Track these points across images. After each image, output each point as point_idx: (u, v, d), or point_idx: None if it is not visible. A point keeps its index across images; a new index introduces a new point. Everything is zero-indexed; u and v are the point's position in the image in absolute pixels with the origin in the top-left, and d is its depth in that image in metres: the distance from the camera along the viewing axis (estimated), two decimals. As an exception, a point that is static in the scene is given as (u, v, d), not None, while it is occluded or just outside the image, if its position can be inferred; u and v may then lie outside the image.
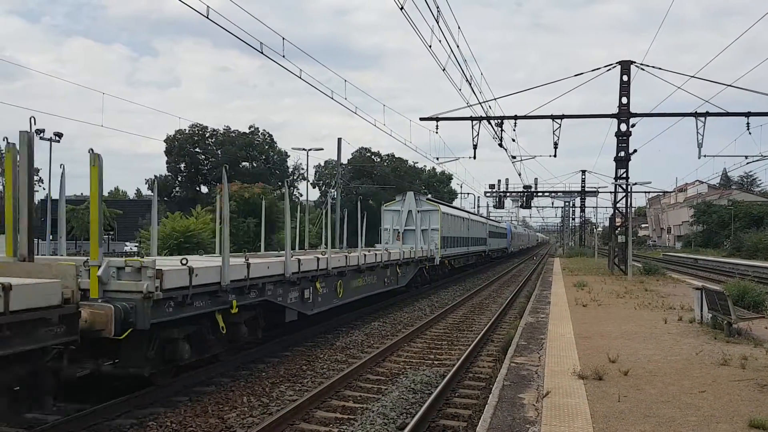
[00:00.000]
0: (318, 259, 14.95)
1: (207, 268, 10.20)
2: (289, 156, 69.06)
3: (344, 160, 60.06)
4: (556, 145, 30.03)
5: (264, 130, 66.50)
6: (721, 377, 8.94)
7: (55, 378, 7.45)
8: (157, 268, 8.96)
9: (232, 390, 10.49)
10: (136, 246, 49.00)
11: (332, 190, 53.39)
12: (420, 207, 31.03)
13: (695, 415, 7.12)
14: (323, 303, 15.47)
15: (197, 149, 62.47)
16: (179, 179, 63.28)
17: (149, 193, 70.56)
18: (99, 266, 8.79)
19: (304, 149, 35.35)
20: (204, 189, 63.43)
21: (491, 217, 75.22)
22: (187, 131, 61.49)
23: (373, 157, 77.93)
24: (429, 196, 46.50)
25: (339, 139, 44.50)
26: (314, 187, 78.52)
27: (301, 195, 72.42)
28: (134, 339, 8.87)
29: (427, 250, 27.79)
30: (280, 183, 65.94)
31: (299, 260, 13.74)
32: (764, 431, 6.47)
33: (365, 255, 18.42)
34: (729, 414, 7.15)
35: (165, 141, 62.06)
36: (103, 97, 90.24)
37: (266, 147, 65.44)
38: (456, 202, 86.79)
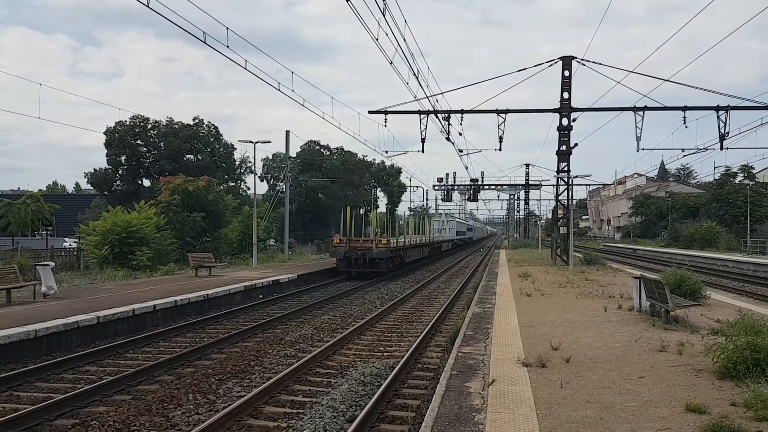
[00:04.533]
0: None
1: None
2: (235, 149, 67.58)
3: (293, 153, 59.27)
4: (501, 139, 30.35)
5: (209, 122, 64.91)
6: (659, 363, 9.20)
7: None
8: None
9: (177, 388, 10.30)
10: (75, 242, 47.45)
11: (281, 184, 52.77)
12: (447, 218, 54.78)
13: (634, 400, 7.35)
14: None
15: (139, 141, 60.71)
16: (120, 172, 61.35)
17: (89, 187, 68.24)
18: None
19: (251, 142, 34.61)
20: (146, 182, 61.70)
21: (459, 217, 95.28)
22: (128, 123, 59.74)
23: (322, 150, 77.21)
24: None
25: (287, 132, 43.98)
26: (262, 181, 77.66)
27: (249, 188, 71.30)
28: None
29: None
30: (226, 176, 64.71)
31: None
32: (700, 414, 6.70)
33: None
34: (667, 399, 7.39)
35: (105, 133, 60.07)
36: (40, 88, 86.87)
37: (211, 139, 63.93)
38: (405, 196, 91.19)
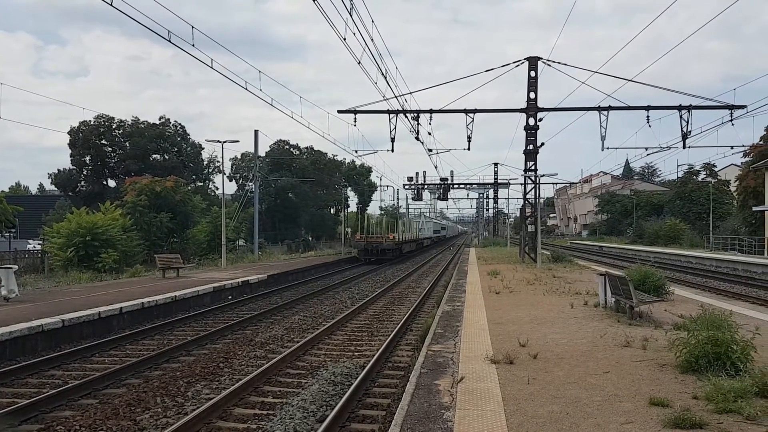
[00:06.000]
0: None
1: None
2: (203, 148, 66.80)
3: (262, 153, 58.75)
4: (469, 138, 30.67)
5: (176, 121, 64.06)
6: (624, 358, 9.34)
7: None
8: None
9: (145, 391, 10.19)
10: (39, 243, 46.49)
11: (250, 183, 52.27)
12: (425, 219, 72.16)
13: (600, 395, 7.49)
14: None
15: (104, 141, 59.56)
16: (84, 173, 60.16)
17: (53, 188, 66.91)
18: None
19: (218, 141, 34.23)
20: (112, 183, 60.62)
21: (432, 216, 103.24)
22: (92, 123, 58.60)
23: (292, 149, 76.71)
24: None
25: (256, 132, 43.77)
26: (231, 181, 76.83)
27: (217, 188, 70.51)
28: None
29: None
30: (194, 176, 63.90)
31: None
32: (663, 408, 6.84)
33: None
34: (631, 393, 7.53)
35: (69, 133, 58.85)
36: (2, 87, 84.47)
37: (178, 139, 62.97)
38: (375, 195, 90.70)
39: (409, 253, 55.48)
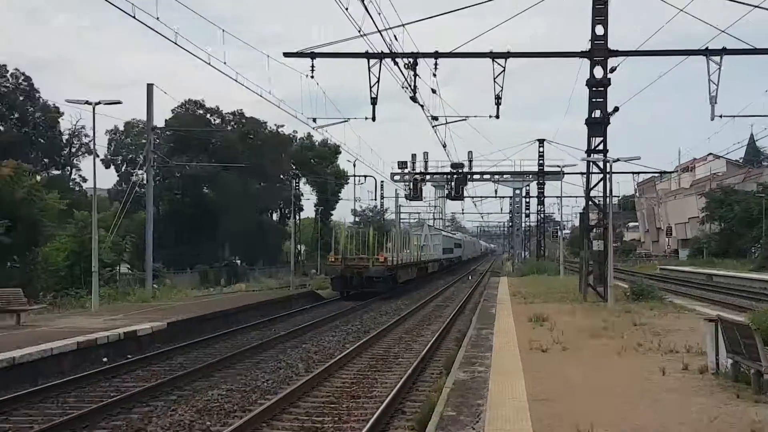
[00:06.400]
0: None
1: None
2: (62, 114, 48.25)
3: (159, 121, 42.95)
4: (498, 100, 22.82)
5: (16, 70, 46.09)
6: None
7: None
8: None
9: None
10: None
11: (139, 172, 37.47)
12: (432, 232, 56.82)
13: None
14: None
15: None
16: None
17: None
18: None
19: (88, 102, 24.43)
20: None
21: (440, 227, 73.67)
22: None
23: (209, 116, 55.95)
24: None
25: (149, 87, 29.97)
26: (108, 167, 55.66)
27: (85, 180, 51.59)
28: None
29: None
30: (46, 160, 47.75)
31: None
32: None
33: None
34: None
35: None
36: None
37: (21, 98, 46.79)
38: (347, 192, 63.82)
39: (406, 284, 40.54)
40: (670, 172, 76.92)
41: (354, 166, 53.96)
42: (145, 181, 33.61)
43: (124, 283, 32.30)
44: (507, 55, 22.29)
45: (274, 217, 64.62)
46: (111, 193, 53.32)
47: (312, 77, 20.99)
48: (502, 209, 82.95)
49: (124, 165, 53.87)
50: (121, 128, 52.93)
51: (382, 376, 14.23)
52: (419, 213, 75.36)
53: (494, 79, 22.04)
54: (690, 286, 39.93)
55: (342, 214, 68.24)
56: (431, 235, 58.63)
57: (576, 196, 67.54)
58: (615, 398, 9.53)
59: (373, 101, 21.89)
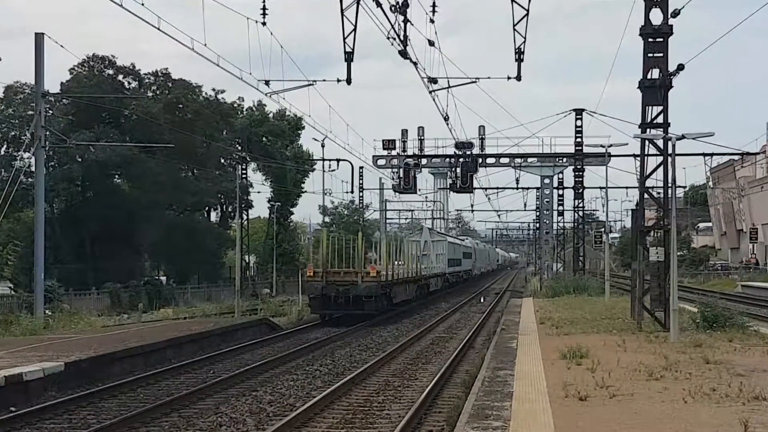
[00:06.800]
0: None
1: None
2: None
3: (55, 86, 33.61)
4: (520, 55, 18.55)
5: None
6: None
7: None
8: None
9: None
10: None
11: (25, 155, 30.13)
12: (434, 238, 43.84)
13: None
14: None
15: None
16: None
17: None
18: None
19: None
20: None
21: (442, 231, 58.83)
22: None
23: (122, 79, 42.91)
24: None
25: (38, 36, 22.88)
26: None
27: None
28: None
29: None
30: None
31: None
32: None
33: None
34: None
35: None
36: None
37: None
38: (312, 182, 53.19)
39: (401, 305, 32.68)
40: (755, 154, 52.84)
41: (323, 146, 42.89)
42: (33, 168, 25.85)
43: (4, 309, 25.38)
44: (531, -6, 17.59)
45: (213, 216, 50.36)
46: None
47: (264, 24, 15.79)
48: (526, 205, 58.83)
49: (4, 145, 40.76)
50: (1, 94, 39.98)
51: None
52: (412, 210, 60.16)
53: (514, 26, 17.21)
54: (783, 310, 30.67)
55: (306, 212, 58.60)
56: (433, 242, 44.59)
57: (627, 187, 50.72)
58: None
59: (348, 57, 16.61)
